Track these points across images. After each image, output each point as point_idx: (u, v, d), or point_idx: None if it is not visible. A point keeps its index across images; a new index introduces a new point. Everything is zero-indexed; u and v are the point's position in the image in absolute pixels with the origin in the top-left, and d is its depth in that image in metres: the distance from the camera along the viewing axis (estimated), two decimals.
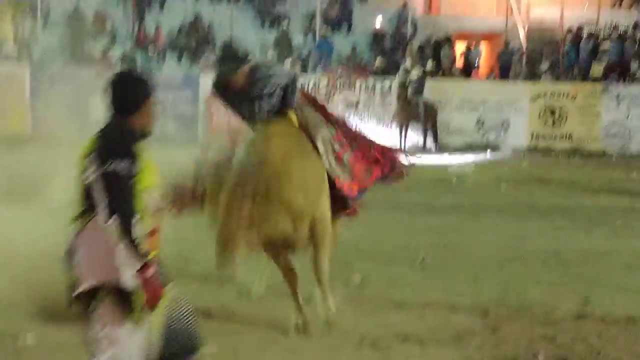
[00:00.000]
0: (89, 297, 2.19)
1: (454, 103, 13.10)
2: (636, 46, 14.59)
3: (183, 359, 2.38)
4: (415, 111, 12.51)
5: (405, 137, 12.52)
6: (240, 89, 3.60)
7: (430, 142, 12.63)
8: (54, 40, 13.66)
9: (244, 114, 3.69)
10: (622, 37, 14.80)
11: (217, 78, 3.81)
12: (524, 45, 15.75)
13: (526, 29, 16.17)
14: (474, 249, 5.83)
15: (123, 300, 2.18)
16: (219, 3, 15.38)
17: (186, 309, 2.44)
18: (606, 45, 14.66)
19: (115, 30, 14.15)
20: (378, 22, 16.30)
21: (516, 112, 13.42)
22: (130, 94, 2.39)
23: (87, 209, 2.23)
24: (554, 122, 13.29)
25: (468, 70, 15.02)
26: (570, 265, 5.38)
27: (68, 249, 2.26)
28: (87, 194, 2.23)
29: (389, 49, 15.00)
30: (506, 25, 16.12)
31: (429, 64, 13.94)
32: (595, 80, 13.73)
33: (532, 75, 14.55)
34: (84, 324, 2.26)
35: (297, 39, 14.80)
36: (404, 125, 12.49)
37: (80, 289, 2.18)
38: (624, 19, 15.71)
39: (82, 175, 2.23)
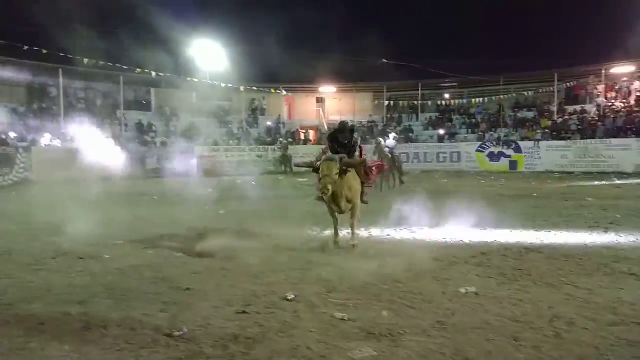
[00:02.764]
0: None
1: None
2: (378, 128, 29.47)
3: None
4: None
5: None
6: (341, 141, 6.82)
7: None
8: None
9: (336, 149, 6.74)
10: (369, 127, 30.04)
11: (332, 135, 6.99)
12: (327, 130, 28.22)
13: (326, 124, 30.25)
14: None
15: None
16: None
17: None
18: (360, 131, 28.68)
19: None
20: (268, 123, 30.92)
21: None
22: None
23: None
24: None
25: (306, 142, 28.98)
26: None
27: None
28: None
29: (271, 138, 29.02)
30: (319, 122, 30.69)
31: (288, 141, 27.76)
32: None
33: None
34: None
35: None
36: None
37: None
38: (375, 119, 30.74)
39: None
